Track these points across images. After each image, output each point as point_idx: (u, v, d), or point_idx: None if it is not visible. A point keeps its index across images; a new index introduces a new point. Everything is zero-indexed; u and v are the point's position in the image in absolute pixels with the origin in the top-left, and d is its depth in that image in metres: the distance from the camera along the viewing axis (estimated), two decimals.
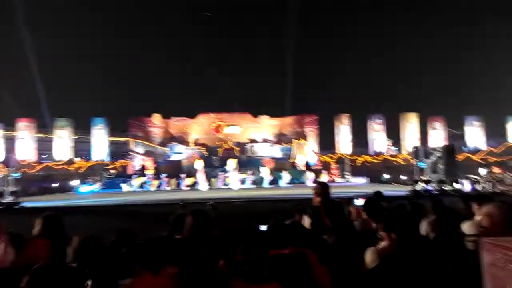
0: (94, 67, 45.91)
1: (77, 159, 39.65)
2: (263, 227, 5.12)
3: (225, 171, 32.97)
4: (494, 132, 43.15)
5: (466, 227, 3.79)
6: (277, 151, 39.57)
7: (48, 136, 40.78)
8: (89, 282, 2.67)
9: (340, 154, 41.44)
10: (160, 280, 2.47)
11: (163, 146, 40.34)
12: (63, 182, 34.41)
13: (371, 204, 5.04)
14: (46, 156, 40.42)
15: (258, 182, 32.48)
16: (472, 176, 27.02)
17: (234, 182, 31.54)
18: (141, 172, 34.24)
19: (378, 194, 6.70)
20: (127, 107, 44.17)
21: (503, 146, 40.24)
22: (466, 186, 24.06)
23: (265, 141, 40.79)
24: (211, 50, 51.51)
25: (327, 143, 43.96)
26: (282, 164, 35.66)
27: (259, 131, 42.48)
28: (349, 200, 6.62)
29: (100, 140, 41.13)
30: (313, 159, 38.71)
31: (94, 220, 14.31)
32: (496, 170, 29.32)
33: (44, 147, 40.61)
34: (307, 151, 39.69)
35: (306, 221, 4.81)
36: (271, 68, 51.86)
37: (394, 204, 6.56)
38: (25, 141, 38.88)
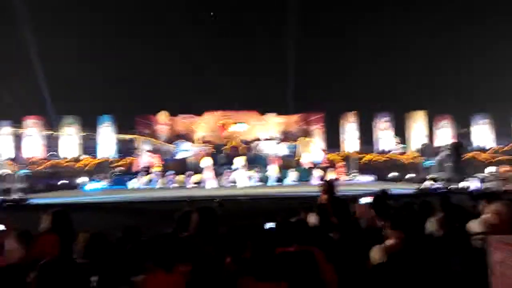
0: (101, 66, 46.09)
1: (85, 156, 39.91)
2: (269, 225, 5.12)
3: (232, 169, 32.98)
4: (502, 131, 42.86)
5: (474, 225, 3.77)
6: (283, 149, 39.54)
7: (56, 133, 41.09)
8: (94, 278, 2.68)
9: (347, 152, 41.36)
10: (173, 278, 2.47)
11: (170, 144, 40.48)
12: (70, 179, 34.65)
13: (378, 202, 5.03)
14: (54, 153, 40.74)
15: (264, 180, 32.46)
16: (480, 174, 26.85)
17: (242, 179, 31.54)
18: (148, 169, 34.35)
19: (384, 192, 6.68)
20: (134, 105, 44.23)
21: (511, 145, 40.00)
22: (474, 184, 23.90)
23: (271, 138, 40.78)
24: (215, 50, 51.59)
25: (333, 141, 43.89)
26: (288, 162, 35.62)
27: (265, 129, 42.49)
28: (355, 198, 6.60)
29: (107, 138, 41.36)
30: (320, 157, 38.64)
31: (100, 216, 14.38)
32: (504, 168, 29.10)
33: (52, 144, 40.92)
34: (313, 149, 39.62)
35: (312, 219, 4.81)
36: (276, 68, 51.83)
37: (401, 202, 6.53)
38: (33, 138, 39.20)
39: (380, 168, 37.11)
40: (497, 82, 45.64)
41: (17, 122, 39.64)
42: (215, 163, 33.77)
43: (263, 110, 43.29)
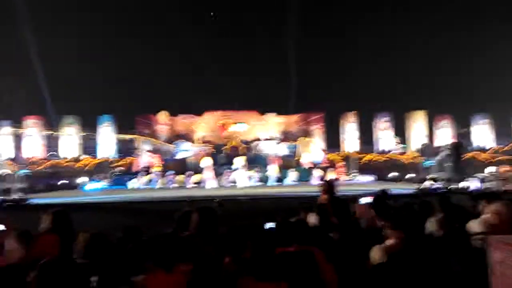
0: (101, 66, 46.12)
1: (84, 156, 39.93)
2: (269, 225, 5.12)
3: (232, 169, 32.98)
4: (502, 131, 42.87)
5: (474, 225, 3.77)
6: (283, 149, 39.55)
7: (56, 133, 41.11)
8: (94, 278, 2.68)
9: (347, 152, 41.38)
10: (173, 278, 2.46)
11: (170, 144, 40.49)
12: (70, 179, 34.66)
13: (378, 202, 5.03)
14: (54, 153, 40.76)
15: (264, 180, 32.46)
16: (480, 174, 26.85)
17: (242, 179, 31.55)
18: (148, 169, 34.36)
19: (384, 192, 6.68)
20: (134, 105, 44.25)
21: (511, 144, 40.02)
22: (474, 184, 23.90)
23: (271, 138, 40.79)
24: (215, 50, 51.68)
25: (333, 141, 43.90)
26: (288, 162, 35.63)
27: (265, 129, 42.51)
28: (355, 198, 6.60)
29: (107, 138, 41.37)
30: (320, 157, 38.65)
31: (101, 216, 14.38)
32: (504, 168, 29.10)
33: (52, 144, 40.94)
34: (313, 149, 39.63)
35: (312, 219, 4.81)
36: (276, 68, 51.93)
37: (401, 202, 6.54)
38: (33, 138, 39.21)
39: (380, 168, 37.12)
40: (497, 82, 45.67)
41: (17, 122, 39.64)
42: (215, 163, 33.76)
43: (263, 110, 43.34)
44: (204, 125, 42.79)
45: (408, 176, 32.78)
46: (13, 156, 38.48)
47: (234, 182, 31.78)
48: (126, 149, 42.06)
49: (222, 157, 36.13)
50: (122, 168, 37.63)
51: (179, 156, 38.26)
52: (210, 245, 3.08)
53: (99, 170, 36.16)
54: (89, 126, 42.30)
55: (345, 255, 3.55)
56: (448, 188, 22.32)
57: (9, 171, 22.97)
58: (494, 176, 25.94)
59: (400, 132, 44.01)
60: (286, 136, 42.04)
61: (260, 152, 38.17)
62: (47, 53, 40.93)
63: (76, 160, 38.93)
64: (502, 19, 45.48)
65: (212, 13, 53.45)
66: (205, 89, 48.11)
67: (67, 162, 38.31)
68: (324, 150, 40.99)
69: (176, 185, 31.97)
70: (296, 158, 37.85)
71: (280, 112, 43.79)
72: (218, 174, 32.60)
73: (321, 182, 5.60)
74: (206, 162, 33.07)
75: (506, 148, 39.85)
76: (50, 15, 46.22)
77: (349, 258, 3.52)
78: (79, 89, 46.38)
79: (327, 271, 2.99)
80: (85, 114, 42.10)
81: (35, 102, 40.12)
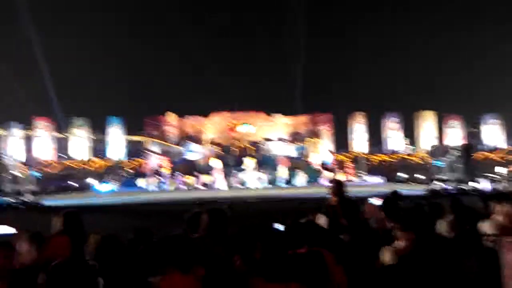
0: (108, 67, 46.55)
1: (95, 159, 40.18)
2: (279, 226, 5.12)
3: (241, 170, 33.01)
4: None
5: (486, 227, 3.74)
6: (291, 150, 39.47)
7: (66, 135, 41.42)
8: (101, 280, 2.69)
9: (356, 153, 41.17)
10: (189, 280, 2.45)
11: (179, 145, 40.59)
12: (82, 181, 34.89)
13: (388, 204, 5.00)
14: (65, 155, 41.07)
15: (273, 181, 32.44)
16: (491, 175, 26.58)
17: (251, 180, 31.56)
18: (157, 171, 34.50)
19: (395, 193, 6.64)
20: (143, 107, 44.61)
21: None
22: (485, 185, 23.65)
23: (279, 140, 40.72)
24: (217, 50, 52.01)
25: (342, 142, 43.73)
26: (297, 163, 35.55)
27: (273, 130, 42.44)
28: (364, 199, 6.57)
29: (117, 139, 41.59)
30: (328, 158, 38.52)
31: (112, 218, 14.44)
32: None
33: (62, 146, 41.25)
34: (321, 150, 39.50)
35: (321, 220, 4.80)
36: (284, 68, 52.11)
37: (411, 203, 6.49)
38: (44, 141, 39.53)
39: (389, 169, 36.87)
40: (509, 82, 45.19)
41: (28, 125, 40.00)
42: (224, 165, 33.80)
43: (270, 111, 43.30)
44: (213, 126, 42.85)
45: (417, 177, 32.52)
46: (24, 158, 38.82)
47: (243, 183, 31.80)
48: (135, 151, 42.27)
49: (231, 158, 36.15)
50: (131, 170, 37.82)
51: (188, 157, 38.36)
52: (220, 246, 3.09)
53: (109, 172, 36.36)
54: (99, 128, 42.63)
55: (355, 257, 3.54)
56: (458, 189, 22.12)
57: (20, 173, 23.15)
58: (505, 176, 25.68)
59: (410, 132, 43.70)
60: (295, 137, 41.94)
61: (269, 153, 38.13)
62: (57, 56, 41.36)
63: (86, 162, 39.19)
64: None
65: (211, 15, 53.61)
66: (212, 90, 48.34)
67: (77, 164, 38.58)
68: (332, 152, 40.84)
69: (185, 186, 32.07)
70: (304, 159, 37.76)
71: (288, 113, 43.67)
72: (227, 176, 32.64)
73: (330, 183, 5.58)
74: (215, 164, 33.13)
75: None
76: (57, 15, 46.64)
77: (359, 259, 3.51)
78: (89, 91, 46.88)
79: (337, 273, 2.98)
80: (95, 116, 42.51)
81: (46, 104, 40.53)
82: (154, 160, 37.58)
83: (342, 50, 53.16)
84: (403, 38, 49.75)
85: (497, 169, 29.49)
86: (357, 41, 52.47)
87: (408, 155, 40.99)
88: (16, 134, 39.05)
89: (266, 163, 34.61)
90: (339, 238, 4.08)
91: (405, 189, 19.10)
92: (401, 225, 3.24)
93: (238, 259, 2.66)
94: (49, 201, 20.99)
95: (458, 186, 22.58)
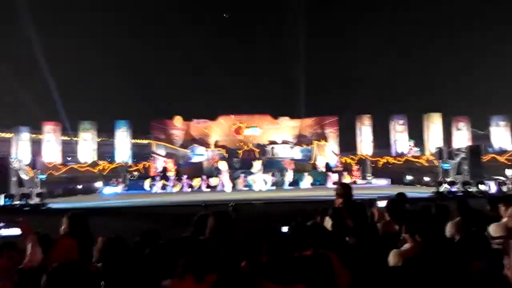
0: (108, 67, 46.82)
1: (101, 161, 40.36)
2: (285, 229, 5.11)
3: (247, 173, 33.02)
4: None
5: (493, 229, 3.72)
6: (297, 153, 39.44)
7: (73, 138, 41.64)
8: (103, 283, 2.68)
9: (362, 155, 41.04)
10: (202, 287, 2.40)
11: (184, 148, 40.70)
12: (88, 184, 35.06)
13: (394, 206, 4.98)
14: (71, 158, 41.28)
15: (279, 184, 32.43)
16: (498, 177, 26.37)
17: (257, 183, 31.57)
18: (163, 174, 34.61)
19: (401, 195, 6.60)
20: (149, 110, 44.78)
21: None
22: (492, 187, 23.48)
23: (285, 142, 40.70)
24: (220, 50, 52.20)
25: (348, 144, 43.56)
26: (302, 166, 35.53)
27: (279, 133, 42.43)
28: (372, 202, 6.55)
29: (123, 143, 41.76)
30: (334, 161, 38.44)
31: (118, 221, 14.52)
32: None
33: (69, 149, 41.46)
34: (327, 153, 39.44)
35: (328, 223, 4.78)
36: (285, 68, 52.23)
37: (418, 205, 6.46)
38: (51, 144, 39.77)
39: (396, 172, 36.71)
40: None
41: (35, 128, 40.25)
42: (230, 167, 33.85)
43: (276, 113, 43.28)
44: (219, 129, 42.92)
45: (424, 179, 32.36)
46: (32, 161, 39.04)
47: (249, 186, 31.81)
48: (141, 154, 42.43)
49: (237, 161, 36.20)
50: (138, 173, 37.95)
51: (194, 160, 38.45)
52: (225, 248, 3.09)
53: (115, 174, 36.51)
54: (105, 132, 42.80)
55: (361, 260, 3.52)
56: (466, 191, 21.99)
57: (28, 177, 23.33)
58: (510, 179, 25.49)
59: (417, 134, 43.40)
60: (301, 140, 41.91)
61: (275, 156, 38.15)
62: (66, 60, 41.63)
63: (93, 165, 39.37)
64: None
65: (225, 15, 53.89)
66: (218, 93, 48.46)
67: (84, 167, 38.77)
68: (337, 154, 40.73)
69: (191, 189, 32.15)
70: (311, 162, 37.73)
71: (293, 116, 43.63)
72: (233, 178, 32.68)
73: (336, 185, 5.56)
74: (221, 166, 33.19)
75: None
76: (57, 15, 46.96)
77: (365, 262, 3.49)
78: (96, 95, 47.09)
79: (343, 275, 2.97)
80: (101, 120, 42.70)
81: (53, 108, 40.80)
82: (160, 163, 37.72)
83: (342, 50, 53.16)
84: (402, 38, 49.61)
85: (505, 171, 29.28)
86: (357, 41, 52.34)
87: (415, 157, 40.78)
88: (24, 138, 39.30)
89: (272, 165, 34.62)
90: (344, 240, 4.06)
91: (412, 192, 19.04)
92: (408, 228, 3.23)
93: (245, 262, 2.66)
94: (55, 204, 21.14)
95: (465, 188, 22.46)
